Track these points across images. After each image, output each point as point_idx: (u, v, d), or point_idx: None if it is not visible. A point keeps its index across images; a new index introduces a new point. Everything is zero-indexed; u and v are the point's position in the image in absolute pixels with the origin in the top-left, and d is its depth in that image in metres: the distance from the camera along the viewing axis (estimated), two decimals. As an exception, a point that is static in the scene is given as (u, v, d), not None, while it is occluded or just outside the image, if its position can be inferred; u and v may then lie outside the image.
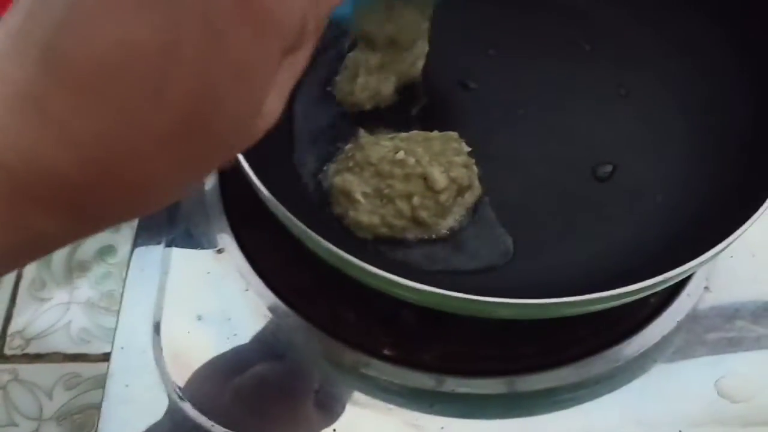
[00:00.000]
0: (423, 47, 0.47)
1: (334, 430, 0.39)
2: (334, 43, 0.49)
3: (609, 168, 0.46)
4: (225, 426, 0.39)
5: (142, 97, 0.20)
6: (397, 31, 0.45)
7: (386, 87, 0.46)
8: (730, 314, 0.44)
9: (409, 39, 0.46)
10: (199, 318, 0.43)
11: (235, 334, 0.42)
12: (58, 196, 0.21)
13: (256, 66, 0.22)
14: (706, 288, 0.44)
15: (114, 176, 0.21)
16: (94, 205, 0.22)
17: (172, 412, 0.39)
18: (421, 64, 0.47)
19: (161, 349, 0.41)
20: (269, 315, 0.43)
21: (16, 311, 0.66)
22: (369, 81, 0.46)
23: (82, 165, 0.20)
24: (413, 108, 0.48)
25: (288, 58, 0.24)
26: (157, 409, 0.39)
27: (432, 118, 0.47)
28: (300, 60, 0.25)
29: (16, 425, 0.60)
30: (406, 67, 0.47)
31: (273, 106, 0.24)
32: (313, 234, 0.36)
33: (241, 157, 0.38)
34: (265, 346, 0.42)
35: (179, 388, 0.40)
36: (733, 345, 0.43)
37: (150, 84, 0.20)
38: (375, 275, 0.36)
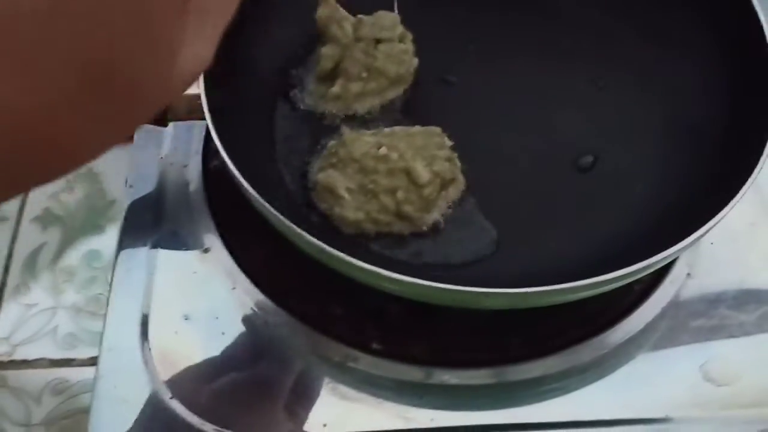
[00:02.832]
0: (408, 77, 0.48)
1: (325, 424, 0.39)
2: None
3: (590, 158, 0.46)
4: (215, 424, 0.39)
5: (38, 52, 0.20)
6: (385, 64, 0.46)
7: (362, 107, 0.47)
8: (712, 299, 0.44)
9: (396, 72, 0.47)
10: (187, 318, 0.43)
11: (222, 333, 0.42)
12: None
13: (150, 11, 0.21)
14: (688, 275, 0.45)
15: (26, 134, 0.21)
16: (8, 166, 0.21)
17: (162, 411, 0.39)
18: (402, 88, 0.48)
19: (149, 350, 0.41)
20: (257, 312, 0.43)
21: (1, 317, 0.66)
22: (345, 96, 0.47)
23: None
24: (395, 104, 0.48)
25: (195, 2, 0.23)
26: (147, 409, 0.39)
27: (414, 113, 0.47)
28: (215, 2, 0.24)
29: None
30: (388, 92, 0.48)
31: (198, 54, 0.24)
32: (300, 230, 0.36)
33: (225, 157, 0.39)
34: (253, 344, 0.42)
35: (169, 387, 0.40)
36: (716, 330, 0.43)
37: (44, 39, 0.20)
38: (361, 269, 0.36)
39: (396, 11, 0.48)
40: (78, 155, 0.23)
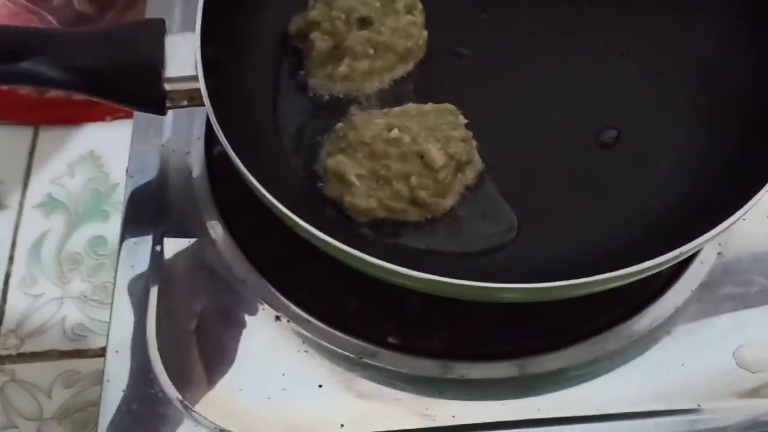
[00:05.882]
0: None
1: (342, 425, 0.38)
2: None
3: (613, 133, 0.44)
4: (229, 427, 0.37)
5: None
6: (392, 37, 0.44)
7: (370, 86, 0.45)
8: (745, 279, 0.42)
9: (404, 46, 0.45)
10: (195, 314, 0.41)
11: (231, 329, 0.40)
12: None
13: None
14: (719, 254, 0.43)
15: None
16: None
17: (172, 413, 0.38)
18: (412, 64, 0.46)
19: (157, 349, 0.40)
20: (266, 307, 0.41)
21: (7, 309, 0.65)
22: (352, 76, 0.44)
23: None
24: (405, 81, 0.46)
25: None
26: (156, 411, 0.38)
27: (426, 90, 0.45)
28: None
29: (16, 427, 0.59)
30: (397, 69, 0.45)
31: None
32: (309, 227, 0.35)
33: (228, 149, 0.37)
34: (264, 340, 0.40)
35: (178, 389, 0.38)
36: (749, 306, 0.41)
37: None
38: (375, 265, 0.35)
39: None
40: None
